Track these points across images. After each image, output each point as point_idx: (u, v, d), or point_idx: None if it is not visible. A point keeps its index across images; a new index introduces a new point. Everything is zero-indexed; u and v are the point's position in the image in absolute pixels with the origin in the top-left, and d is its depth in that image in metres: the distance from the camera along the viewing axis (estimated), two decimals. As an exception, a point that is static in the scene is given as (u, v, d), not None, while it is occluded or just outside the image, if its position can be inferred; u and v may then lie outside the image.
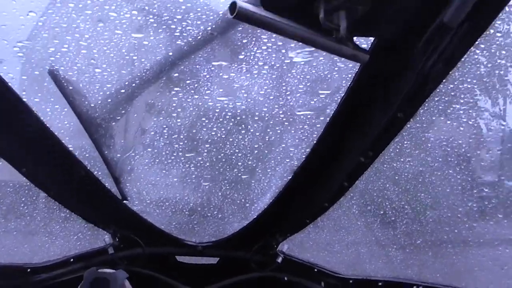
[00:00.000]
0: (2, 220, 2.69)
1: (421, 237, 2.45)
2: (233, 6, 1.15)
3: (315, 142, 2.34)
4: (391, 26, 1.51)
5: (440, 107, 1.84)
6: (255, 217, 3.17)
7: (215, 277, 3.71)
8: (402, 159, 2.19)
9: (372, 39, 1.63)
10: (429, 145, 2.02)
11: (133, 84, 2.09)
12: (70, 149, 2.49)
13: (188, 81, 2.07)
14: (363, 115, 2.04)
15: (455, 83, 1.73)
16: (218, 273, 3.72)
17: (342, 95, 1.99)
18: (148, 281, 3.58)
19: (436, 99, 1.81)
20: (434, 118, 1.88)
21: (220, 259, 3.65)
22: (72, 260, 3.26)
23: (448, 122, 1.88)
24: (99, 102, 2.21)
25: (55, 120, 2.32)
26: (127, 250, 3.43)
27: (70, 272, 3.25)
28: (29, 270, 3.01)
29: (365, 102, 1.97)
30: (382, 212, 2.54)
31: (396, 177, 2.29)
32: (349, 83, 1.92)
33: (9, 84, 1.99)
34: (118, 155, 2.61)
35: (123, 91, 2.14)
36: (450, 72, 1.59)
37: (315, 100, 2.17)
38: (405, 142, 2.09)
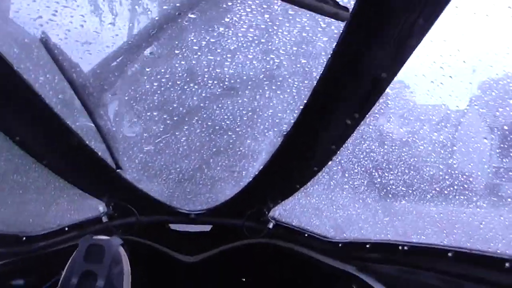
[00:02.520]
0: (-4, 190, 2.74)
1: (406, 197, 2.51)
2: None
3: (302, 106, 2.37)
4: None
5: (421, 66, 1.87)
6: (246, 184, 3.22)
7: (208, 244, 3.79)
8: (386, 120, 2.24)
9: None
10: (411, 103, 2.07)
11: (123, 51, 2.12)
12: (62, 117, 2.51)
13: (176, 47, 2.09)
14: (347, 77, 2.07)
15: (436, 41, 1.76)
16: (211, 240, 3.79)
17: (328, 57, 2.02)
18: (142, 249, 3.65)
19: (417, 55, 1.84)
20: (416, 76, 1.92)
21: (212, 226, 3.72)
22: (67, 229, 3.31)
23: (430, 81, 1.93)
24: (91, 70, 2.23)
25: (46, 88, 2.33)
26: (121, 219, 3.49)
27: (65, 240, 3.31)
28: (24, 238, 3.05)
29: (349, 64, 2.00)
30: (368, 174, 2.59)
31: (381, 138, 2.34)
32: (333, 46, 1.95)
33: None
34: (111, 124, 2.64)
35: (113, 58, 2.16)
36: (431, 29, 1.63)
37: (301, 63, 2.20)
38: (389, 103, 2.12)
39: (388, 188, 2.59)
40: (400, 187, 2.52)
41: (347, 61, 1.98)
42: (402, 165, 2.42)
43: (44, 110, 2.39)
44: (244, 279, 3.86)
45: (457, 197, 2.30)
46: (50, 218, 3.26)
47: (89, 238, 2.44)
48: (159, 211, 3.53)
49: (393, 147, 2.39)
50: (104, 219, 3.42)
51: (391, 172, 2.49)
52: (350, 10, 1.67)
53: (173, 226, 3.72)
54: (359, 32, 1.80)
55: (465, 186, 2.22)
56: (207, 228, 3.73)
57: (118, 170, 3.11)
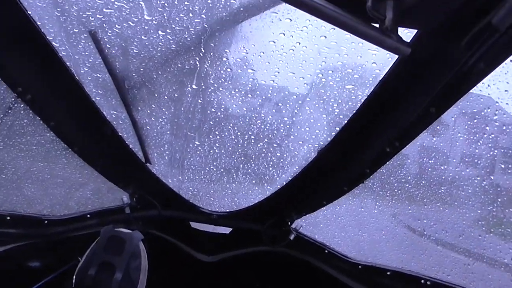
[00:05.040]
0: (25, 172, 2.74)
1: (436, 233, 2.44)
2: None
3: (342, 126, 2.33)
4: (437, 19, 1.48)
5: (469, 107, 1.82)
6: (273, 192, 3.19)
7: (227, 246, 3.77)
8: (426, 153, 2.19)
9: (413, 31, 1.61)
10: (457, 144, 2.02)
11: (170, 51, 2.10)
12: (99, 107, 2.50)
13: (224, 54, 2.07)
14: (395, 106, 2.02)
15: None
16: (229, 243, 3.77)
17: (376, 83, 1.97)
18: (161, 244, 3.65)
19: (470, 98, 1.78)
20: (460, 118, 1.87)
21: (233, 230, 3.70)
22: (89, 216, 3.32)
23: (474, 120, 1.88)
24: (135, 65, 2.22)
25: (87, 79, 2.33)
26: (143, 211, 3.48)
27: (86, 227, 3.31)
28: (46, 222, 3.06)
29: (398, 93, 1.95)
30: (400, 204, 2.54)
31: (420, 170, 2.28)
32: (385, 72, 1.90)
33: (48, 38, 2.00)
34: (146, 119, 2.62)
35: (159, 56, 2.14)
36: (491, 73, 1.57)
37: (347, 86, 2.16)
38: (434, 139, 2.07)
39: (419, 221, 2.52)
40: (432, 223, 2.46)
41: (396, 91, 1.94)
42: (438, 202, 2.36)
43: (82, 98, 2.39)
44: (258, 285, 3.84)
45: (491, 244, 2.23)
46: (73, 204, 3.27)
47: (111, 229, 2.44)
48: (182, 208, 3.52)
49: (431, 182, 2.32)
50: (127, 210, 3.41)
51: (425, 206, 2.43)
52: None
53: (193, 225, 3.71)
54: (414, 65, 1.75)
55: (506, 235, 2.14)
56: (227, 230, 3.71)
57: (147, 164, 3.11)
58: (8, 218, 2.82)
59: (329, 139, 2.49)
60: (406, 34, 1.58)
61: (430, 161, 2.25)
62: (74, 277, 2.21)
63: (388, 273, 2.83)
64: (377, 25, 1.37)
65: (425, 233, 2.57)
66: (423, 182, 2.37)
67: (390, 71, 1.87)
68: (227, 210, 3.57)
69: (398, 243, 2.79)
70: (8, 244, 2.82)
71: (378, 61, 1.93)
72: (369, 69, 1.99)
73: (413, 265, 2.74)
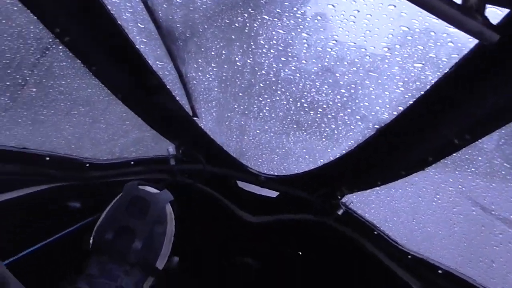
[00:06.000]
0: (65, 115, 2.63)
1: (500, 234, 2.15)
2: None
3: (407, 106, 2.04)
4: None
5: None
6: (325, 163, 2.96)
7: (272, 210, 3.60)
8: (499, 150, 1.88)
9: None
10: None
11: (216, 5, 1.87)
12: (144, 56, 2.32)
13: (278, 15, 1.81)
14: (470, 94, 1.71)
15: None
16: (275, 207, 3.60)
17: (451, 65, 1.66)
18: (204, 199, 3.52)
19: None
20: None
21: (279, 194, 3.51)
22: (132, 162, 3.21)
23: None
24: (178, 15, 2.01)
25: (129, 23, 2.14)
26: (188, 164, 3.34)
27: (128, 173, 3.21)
28: (87, 165, 2.96)
29: (476, 79, 1.64)
30: (462, 202, 2.24)
31: (488, 170, 1.97)
32: (463, 54, 1.59)
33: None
34: (193, 73, 2.42)
35: (204, 9, 1.92)
36: None
37: (416, 64, 1.86)
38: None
39: (483, 227, 2.22)
40: (497, 222, 2.15)
41: (474, 77, 1.63)
42: (499, 199, 2.05)
43: (125, 44, 2.23)
44: (300, 253, 3.69)
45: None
46: (117, 150, 3.15)
47: (135, 187, 2.20)
48: (230, 166, 3.35)
49: (496, 179, 2.02)
50: (172, 161, 3.28)
51: (492, 213, 2.12)
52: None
53: (240, 184, 3.54)
54: (500, 50, 1.43)
55: None
56: (273, 194, 3.52)
57: (194, 118, 2.94)
58: (48, 158, 2.73)
59: (390, 118, 2.21)
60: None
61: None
62: (92, 237, 2.04)
63: (440, 271, 2.57)
64: (459, 2, 1.09)
65: (490, 239, 2.26)
66: (493, 184, 2.05)
67: (469, 54, 1.56)
68: (276, 174, 3.37)
69: (455, 243, 2.50)
70: (46, 183, 2.73)
71: (456, 40, 1.62)
72: (444, 48, 1.68)
73: (469, 270, 2.45)
